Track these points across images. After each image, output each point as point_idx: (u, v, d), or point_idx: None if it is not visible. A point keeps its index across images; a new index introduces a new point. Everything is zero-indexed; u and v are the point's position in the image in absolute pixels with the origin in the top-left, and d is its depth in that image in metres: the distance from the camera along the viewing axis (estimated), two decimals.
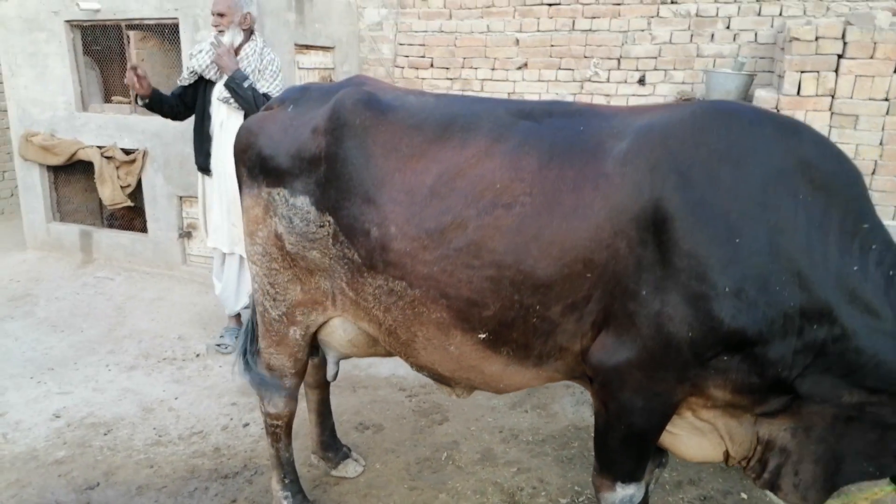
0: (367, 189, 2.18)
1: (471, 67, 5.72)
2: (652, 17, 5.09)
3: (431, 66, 5.89)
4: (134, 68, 3.92)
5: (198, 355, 4.38)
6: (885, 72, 3.91)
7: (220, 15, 3.97)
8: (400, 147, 2.18)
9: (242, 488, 3.03)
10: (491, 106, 2.23)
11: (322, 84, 2.73)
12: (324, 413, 3.06)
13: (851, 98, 3.97)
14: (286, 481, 2.75)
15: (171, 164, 5.27)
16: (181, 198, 5.38)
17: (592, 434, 3.32)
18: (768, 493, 2.17)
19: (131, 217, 5.93)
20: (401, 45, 5.99)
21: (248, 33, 4.07)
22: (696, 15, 4.99)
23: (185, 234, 5.48)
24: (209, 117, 4.14)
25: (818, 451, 1.95)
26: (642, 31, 5.11)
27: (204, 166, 4.25)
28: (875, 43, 3.90)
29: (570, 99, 5.38)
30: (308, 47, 5.42)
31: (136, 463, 3.21)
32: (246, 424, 3.57)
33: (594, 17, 5.23)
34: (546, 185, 1.97)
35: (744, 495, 2.90)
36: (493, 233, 1.99)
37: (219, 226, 4.30)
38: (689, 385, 1.93)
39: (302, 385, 2.80)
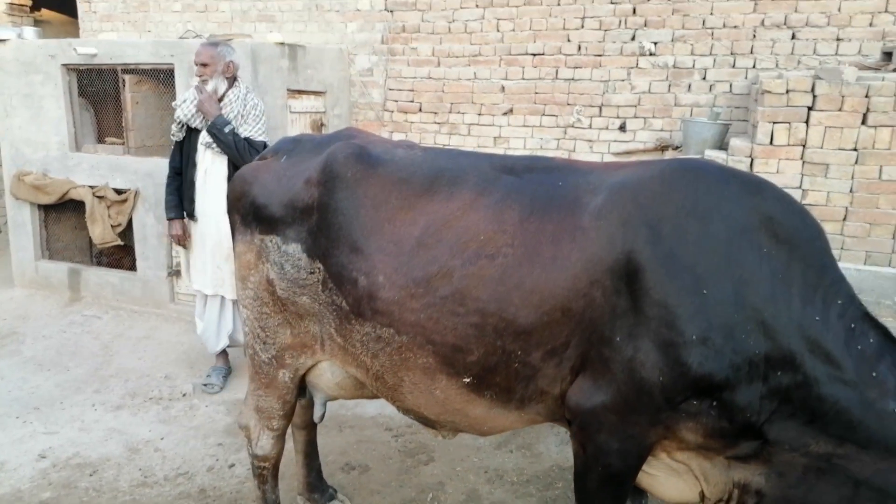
0: (356, 239, 2.28)
1: (458, 112, 5.90)
2: (631, 67, 5.31)
3: (420, 110, 6.07)
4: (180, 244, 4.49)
5: (184, 395, 4.40)
6: (853, 123, 4.10)
7: (204, 65, 4.12)
8: (389, 199, 2.29)
9: None
10: (476, 160, 2.35)
11: (314, 136, 2.85)
12: (310, 454, 3.10)
13: (822, 148, 4.15)
14: None
15: (162, 203, 5.32)
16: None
17: None
18: None
19: (120, 256, 5.98)
20: (390, 90, 6.17)
21: (232, 80, 4.21)
22: (674, 66, 5.21)
23: (174, 273, 5.53)
24: (194, 164, 4.26)
25: (791, 497, 2.01)
26: (622, 80, 5.33)
27: (189, 211, 4.35)
28: (843, 96, 4.10)
29: (554, 144, 5.56)
30: (300, 92, 5.58)
31: None
32: (232, 465, 3.59)
33: (577, 67, 5.45)
34: (527, 237, 2.08)
35: None
36: (477, 282, 2.08)
37: (201, 268, 4.38)
38: (661, 428, 2.01)
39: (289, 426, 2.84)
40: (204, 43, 4.31)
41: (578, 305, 2.00)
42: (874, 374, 1.84)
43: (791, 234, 1.93)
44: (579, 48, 5.45)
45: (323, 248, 2.35)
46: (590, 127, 5.47)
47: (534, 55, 5.59)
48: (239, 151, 4.06)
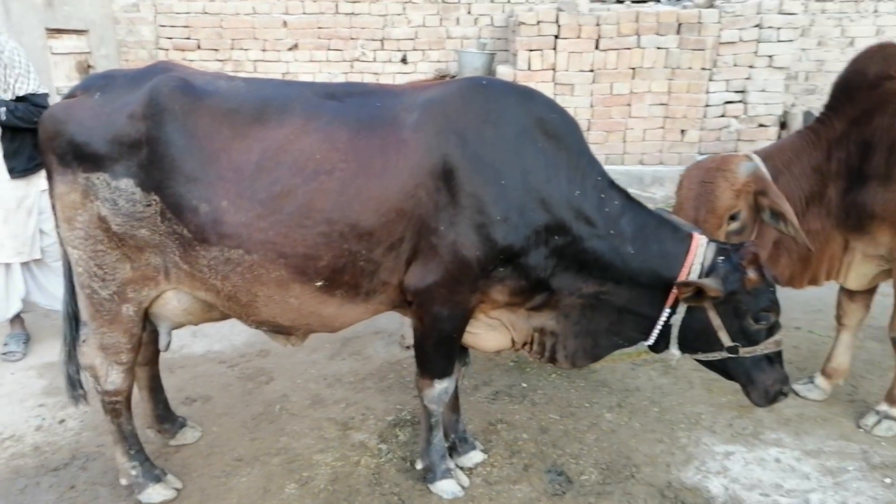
0: (192, 169, 2.41)
1: (241, 49, 5.84)
2: (406, 2, 5.71)
3: (198, 47, 5.88)
4: None
5: None
6: (589, 48, 4.99)
7: None
8: (221, 129, 2.44)
9: (77, 475, 3.05)
10: (299, 89, 2.59)
11: (125, 71, 2.80)
12: (155, 388, 3.18)
13: (567, 70, 5.00)
14: (132, 452, 2.86)
15: None
16: None
17: (404, 367, 3.91)
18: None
19: None
20: (162, 26, 5.86)
21: None
22: (443, 1, 5.72)
23: None
24: None
25: (576, 330, 2.70)
26: (399, 15, 5.72)
27: None
28: (580, 25, 4.95)
29: (342, 78, 5.81)
30: (60, 31, 5.09)
31: None
32: (62, 421, 3.51)
33: (355, 2, 5.70)
34: (358, 153, 2.41)
35: (524, 384, 3.71)
36: (319, 195, 2.38)
37: None
38: (479, 293, 2.55)
39: None
40: None
41: (409, 205, 2.41)
42: (618, 228, 2.54)
43: (556, 129, 2.52)
44: None
45: (157, 181, 2.43)
46: (374, 60, 5.81)
47: None
48: (30, 121, 3.73)
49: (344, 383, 3.82)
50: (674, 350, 2.64)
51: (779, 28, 4.83)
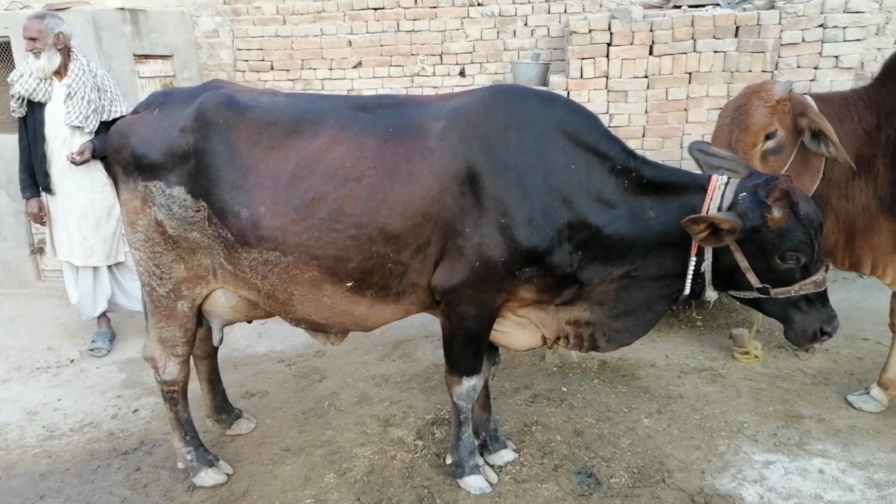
0: (234, 177, 2.63)
1: (310, 68, 6.17)
2: (464, 17, 5.86)
3: (272, 68, 6.27)
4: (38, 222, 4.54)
5: (72, 361, 4.51)
6: (642, 54, 4.94)
7: (32, 39, 4.10)
8: (261, 140, 2.65)
9: (143, 459, 3.34)
10: (333, 102, 2.78)
11: (183, 89, 3.10)
12: (214, 381, 3.44)
13: (620, 77, 4.97)
14: (187, 438, 3.11)
15: (14, 181, 5.14)
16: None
17: None
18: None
19: None
20: (239, 50, 6.30)
21: (66, 52, 4.21)
22: (500, 15, 5.83)
23: (38, 251, 5.46)
24: (43, 138, 4.26)
25: (614, 314, 2.71)
26: (457, 30, 5.88)
27: (44, 185, 4.37)
28: (633, 32, 4.91)
29: (403, 92, 6.03)
30: (147, 57, 5.60)
31: (32, 457, 3.40)
32: (135, 410, 3.84)
33: (415, 19, 5.92)
34: (386, 160, 2.55)
35: (564, 388, 3.72)
36: (349, 201, 2.54)
37: (67, 239, 4.46)
38: (505, 293, 2.62)
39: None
40: (31, 16, 4.23)
41: (434, 209, 2.52)
42: (638, 198, 2.54)
43: (575, 128, 2.57)
44: (416, 1, 5.91)
45: (204, 188, 2.67)
46: (433, 74, 5.99)
47: (375, 9, 5.98)
48: None
49: (391, 383, 3.97)
50: (709, 292, 2.61)
51: (844, 27, 4.61)
